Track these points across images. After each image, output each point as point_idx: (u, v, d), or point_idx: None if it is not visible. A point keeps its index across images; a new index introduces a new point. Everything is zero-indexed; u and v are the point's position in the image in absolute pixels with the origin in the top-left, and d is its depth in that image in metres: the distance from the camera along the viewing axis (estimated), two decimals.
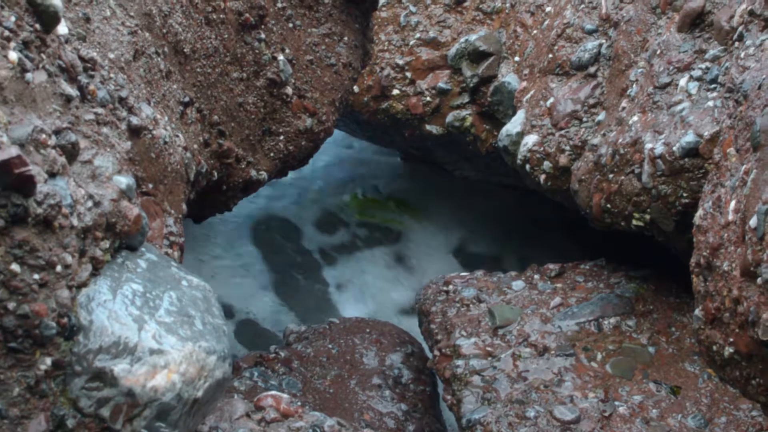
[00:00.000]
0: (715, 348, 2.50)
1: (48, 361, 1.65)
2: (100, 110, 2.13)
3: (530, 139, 4.39)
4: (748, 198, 2.29)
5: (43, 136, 1.69)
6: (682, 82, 3.43)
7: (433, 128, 5.36)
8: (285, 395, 2.90)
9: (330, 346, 4.39)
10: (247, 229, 6.15)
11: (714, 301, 2.45)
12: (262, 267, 5.87)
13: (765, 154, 2.27)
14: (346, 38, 3.81)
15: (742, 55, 3.00)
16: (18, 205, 1.56)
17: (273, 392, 2.91)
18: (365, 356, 4.34)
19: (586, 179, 3.93)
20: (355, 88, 5.31)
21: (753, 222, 2.22)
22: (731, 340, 2.40)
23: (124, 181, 2.00)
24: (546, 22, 4.77)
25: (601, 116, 4.09)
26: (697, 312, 2.59)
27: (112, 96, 2.22)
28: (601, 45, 4.27)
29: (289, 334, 4.57)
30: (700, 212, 2.67)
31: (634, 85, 3.78)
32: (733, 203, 2.42)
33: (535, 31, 4.88)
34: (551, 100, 4.34)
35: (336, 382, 4.14)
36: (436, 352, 3.90)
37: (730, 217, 2.42)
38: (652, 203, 3.45)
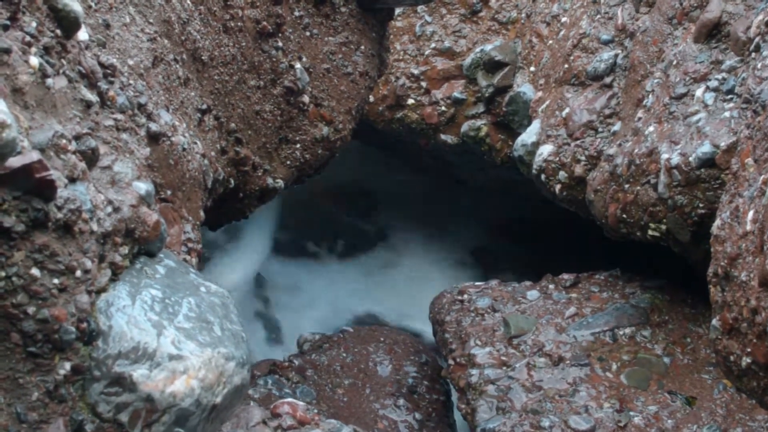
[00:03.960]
0: (732, 358, 2.49)
1: (67, 365, 1.65)
2: (119, 116, 2.13)
3: (545, 149, 4.39)
4: (767, 208, 2.28)
5: (64, 141, 1.70)
6: (699, 92, 3.42)
7: (447, 138, 5.36)
8: (301, 402, 2.90)
9: (344, 354, 4.39)
10: None
11: (732, 312, 2.44)
12: None
13: None
14: (362, 47, 3.82)
15: (759, 65, 3.00)
16: (38, 210, 1.56)
17: (289, 399, 2.91)
18: (379, 365, 4.33)
19: (602, 189, 3.92)
20: (370, 98, 5.31)
21: None
22: (749, 350, 2.39)
23: (143, 187, 2.01)
24: (562, 33, 4.77)
25: (617, 126, 4.09)
26: (715, 322, 2.58)
27: (131, 102, 2.23)
28: (617, 55, 4.26)
29: (303, 342, 4.57)
30: (717, 222, 2.66)
31: (650, 96, 3.78)
32: (751, 213, 2.41)
33: (550, 41, 4.87)
34: (567, 110, 4.34)
35: (350, 390, 4.14)
36: (451, 361, 3.90)
37: (749, 227, 2.41)
38: (668, 214, 3.44)
